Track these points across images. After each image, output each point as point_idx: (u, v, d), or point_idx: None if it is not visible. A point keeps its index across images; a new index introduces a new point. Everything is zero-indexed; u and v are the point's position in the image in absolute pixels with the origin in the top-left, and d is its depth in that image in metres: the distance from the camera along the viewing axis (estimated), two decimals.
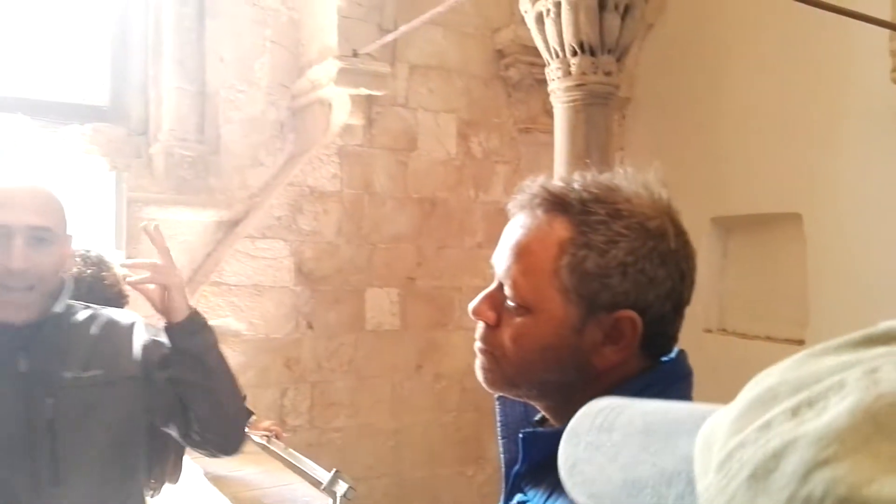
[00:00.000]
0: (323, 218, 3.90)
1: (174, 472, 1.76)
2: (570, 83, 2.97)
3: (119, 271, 1.86)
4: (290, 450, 2.65)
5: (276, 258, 3.79)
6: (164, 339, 1.38)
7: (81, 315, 1.41)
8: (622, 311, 0.76)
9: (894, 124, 3.41)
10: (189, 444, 1.41)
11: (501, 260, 0.82)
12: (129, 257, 2.55)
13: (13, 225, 1.25)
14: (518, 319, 0.79)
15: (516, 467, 0.82)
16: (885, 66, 3.39)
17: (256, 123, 3.96)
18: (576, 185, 0.80)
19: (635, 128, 4.69)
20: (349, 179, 3.97)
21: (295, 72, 4.02)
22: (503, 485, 0.85)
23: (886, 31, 3.23)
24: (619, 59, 3.00)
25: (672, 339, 0.82)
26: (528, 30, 3.16)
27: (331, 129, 3.88)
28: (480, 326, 0.83)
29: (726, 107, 4.16)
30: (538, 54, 3.20)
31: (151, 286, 1.35)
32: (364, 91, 3.77)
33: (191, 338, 1.35)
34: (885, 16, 3.22)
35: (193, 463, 2.23)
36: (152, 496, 1.68)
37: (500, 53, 4.34)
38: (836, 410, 0.26)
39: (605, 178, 0.81)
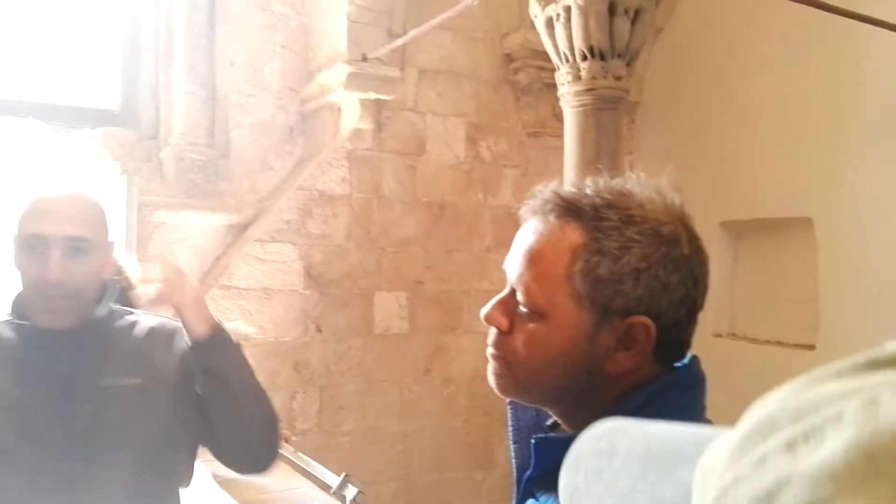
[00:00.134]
0: (332, 221, 3.91)
1: (186, 476, 1.77)
2: (580, 88, 2.97)
3: (131, 274, 1.86)
4: (300, 453, 2.65)
5: (285, 262, 3.80)
6: None
7: (124, 321, 1.40)
8: (635, 318, 0.76)
9: None
10: (222, 461, 1.39)
11: (514, 266, 0.81)
12: (139, 260, 2.56)
13: (50, 235, 1.25)
14: (531, 325, 0.79)
15: (528, 472, 0.82)
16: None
17: (266, 128, 3.98)
18: (588, 191, 0.79)
19: (644, 132, 4.68)
20: (358, 183, 3.97)
21: (305, 76, 4.04)
22: (515, 489, 0.85)
23: None
24: (629, 64, 2.99)
25: (685, 344, 0.81)
26: (537, 34, 3.17)
27: (340, 133, 3.89)
28: (493, 332, 0.83)
29: (736, 110, 4.14)
30: (547, 58, 3.20)
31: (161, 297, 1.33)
32: (373, 95, 3.79)
33: (211, 356, 1.31)
34: (895, 19, 3.20)
35: (203, 465, 2.23)
36: None
37: (509, 58, 4.34)
38: (832, 446, 0.25)
39: (617, 183, 0.81)
